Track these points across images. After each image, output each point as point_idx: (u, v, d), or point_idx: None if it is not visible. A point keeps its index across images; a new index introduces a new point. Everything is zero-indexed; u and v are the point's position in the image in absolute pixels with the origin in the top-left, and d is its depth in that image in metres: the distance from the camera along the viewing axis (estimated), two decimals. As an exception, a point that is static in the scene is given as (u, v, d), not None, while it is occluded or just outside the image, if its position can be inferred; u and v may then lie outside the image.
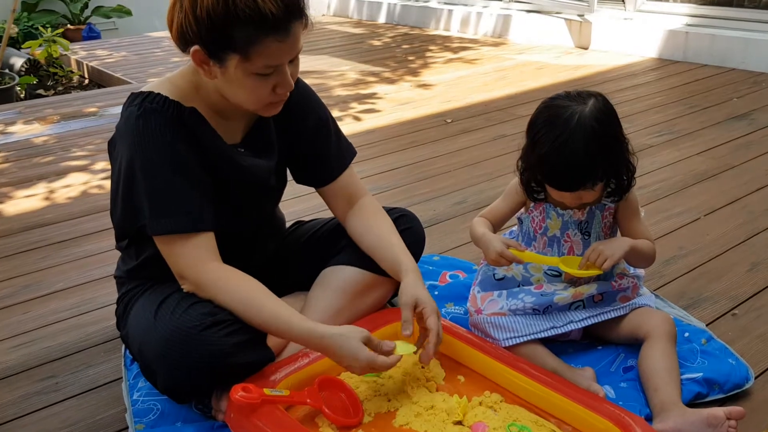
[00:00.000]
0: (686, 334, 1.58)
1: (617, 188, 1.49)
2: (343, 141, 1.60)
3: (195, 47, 1.25)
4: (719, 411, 1.27)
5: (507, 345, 1.49)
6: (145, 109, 1.30)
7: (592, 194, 1.47)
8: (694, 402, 1.40)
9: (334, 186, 1.57)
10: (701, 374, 1.43)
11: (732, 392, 1.43)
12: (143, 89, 1.35)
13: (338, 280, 1.56)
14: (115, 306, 1.53)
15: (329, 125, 1.56)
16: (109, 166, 1.43)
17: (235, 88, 1.30)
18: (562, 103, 1.43)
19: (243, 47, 1.22)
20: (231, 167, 1.40)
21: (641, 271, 1.64)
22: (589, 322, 1.52)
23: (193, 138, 1.34)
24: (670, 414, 1.29)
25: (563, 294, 1.51)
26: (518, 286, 1.57)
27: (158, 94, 1.32)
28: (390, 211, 1.67)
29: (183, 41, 1.26)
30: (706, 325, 1.67)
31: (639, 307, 1.53)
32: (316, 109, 1.54)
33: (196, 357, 1.26)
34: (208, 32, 1.22)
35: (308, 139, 1.53)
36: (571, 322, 1.51)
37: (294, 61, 1.31)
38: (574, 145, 1.38)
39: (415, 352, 1.39)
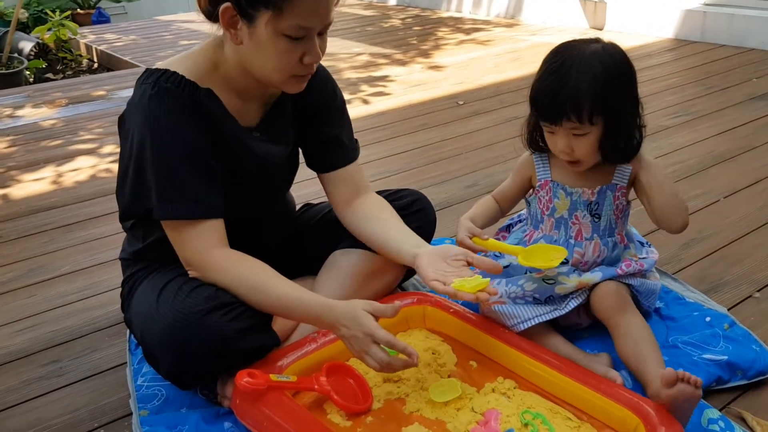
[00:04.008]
0: (708, 319, 1.53)
1: (618, 146, 1.40)
2: (352, 132, 1.57)
3: (225, 5, 1.21)
4: (658, 386, 1.17)
5: (517, 331, 1.44)
6: (160, 89, 1.26)
7: (584, 144, 1.38)
8: (714, 387, 1.35)
9: (345, 172, 1.51)
10: (726, 357, 1.38)
11: (755, 379, 1.38)
12: (159, 65, 1.31)
13: (347, 263, 1.53)
14: (120, 289, 1.50)
15: (345, 107, 1.54)
16: (118, 150, 1.40)
17: (262, 53, 1.25)
18: (575, 40, 1.43)
19: (276, 1, 1.18)
20: (245, 152, 1.37)
21: (653, 257, 1.57)
22: (588, 292, 1.46)
23: (208, 120, 1.30)
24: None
25: (566, 284, 1.45)
26: (525, 273, 1.51)
27: (174, 72, 1.28)
28: (401, 193, 1.63)
29: (213, 3, 1.23)
30: (728, 310, 1.61)
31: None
32: (338, 92, 1.52)
33: (199, 342, 1.23)
34: None
35: (331, 120, 1.49)
36: (574, 298, 1.45)
37: (323, 34, 1.28)
38: (566, 69, 1.35)
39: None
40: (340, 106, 1.51)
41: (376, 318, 1.25)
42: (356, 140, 1.55)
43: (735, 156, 2.57)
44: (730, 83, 3.48)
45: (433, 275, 1.30)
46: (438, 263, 1.33)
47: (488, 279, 1.29)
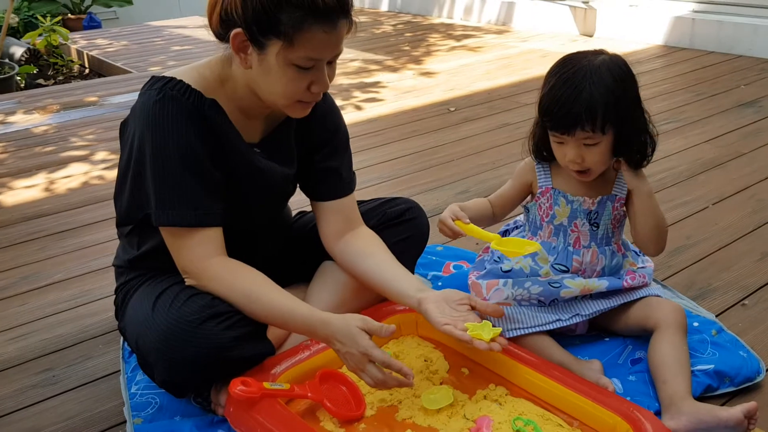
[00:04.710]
0: (696, 324, 1.55)
1: (634, 156, 1.43)
2: (351, 164, 1.56)
3: (237, 30, 1.22)
4: (738, 413, 1.22)
5: (511, 336, 1.46)
6: (165, 95, 1.26)
7: (595, 153, 1.40)
8: (704, 395, 1.37)
9: (339, 203, 1.49)
10: (712, 366, 1.40)
11: (743, 385, 1.40)
12: (166, 74, 1.32)
13: (339, 272, 1.53)
14: (113, 297, 1.50)
15: (348, 141, 1.54)
16: (110, 156, 1.41)
17: (270, 79, 1.25)
18: (580, 52, 1.44)
19: (288, 32, 1.19)
20: (245, 166, 1.37)
21: (650, 266, 1.60)
22: (596, 313, 1.49)
23: (210, 131, 1.30)
24: (681, 409, 1.26)
25: (571, 288, 1.47)
26: (527, 276, 1.53)
27: (180, 81, 1.29)
28: (393, 201, 1.64)
29: (224, 26, 1.24)
30: (716, 316, 1.63)
31: (647, 296, 1.50)
32: (342, 123, 1.52)
33: (195, 351, 1.23)
34: (255, 14, 1.19)
35: (332, 153, 1.49)
36: (577, 314, 1.48)
37: (332, 64, 1.29)
38: (579, 79, 1.37)
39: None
40: (343, 140, 1.51)
41: (371, 335, 1.25)
42: (354, 173, 1.55)
43: (723, 163, 2.60)
44: (718, 90, 3.51)
45: (443, 320, 1.31)
46: (444, 308, 1.34)
47: (500, 328, 1.32)
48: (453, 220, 1.47)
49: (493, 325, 1.32)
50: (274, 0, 1.18)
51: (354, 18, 1.26)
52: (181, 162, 1.27)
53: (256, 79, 1.28)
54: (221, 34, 1.26)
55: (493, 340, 1.29)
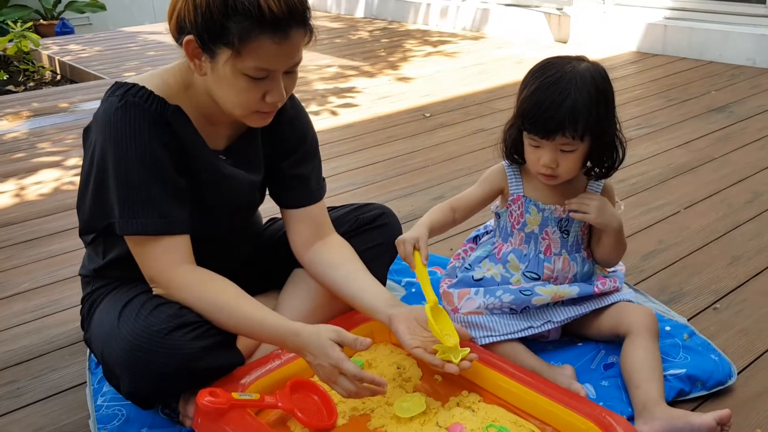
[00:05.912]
0: (667, 328, 1.55)
1: (603, 164, 1.43)
2: (321, 171, 1.54)
3: (188, 37, 1.20)
4: (710, 419, 1.22)
5: (483, 343, 1.45)
6: (126, 102, 1.24)
7: (569, 160, 1.40)
8: (676, 399, 1.37)
9: (307, 211, 1.48)
10: (684, 370, 1.40)
11: (714, 389, 1.40)
12: (129, 80, 1.29)
13: (311, 280, 1.50)
14: (79, 307, 1.47)
15: (317, 147, 1.51)
16: (81, 163, 1.37)
17: (223, 87, 1.23)
18: (562, 57, 1.43)
19: (235, 42, 1.16)
20: (211, 173, 1.35)
21: (621, 270, 1.61)
22: (568, 320, 1.48)
23: (174, 138, 1.28)
24: (654, 414, 1.26)
25: (542, 295, 1.47)
26: (499, 284, 1.52)
27: (143, 87, 1.26)
28: (366, 207, 1.63)
29: (179, 31, 1.22)
30: (688, 320, 1.64)
31: (619, 302, 1.50)
32: (310, 130, 1.49)
33: (162, 362, 1.21)
34: (204, 21, 1.17)
35: (301, 159, 1.47)
36: (549, 321, 1.47)
37: (291, 73, 1.26)
38: (563, 85, 1.35)
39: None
40: (311, 146, 1.49)
41: (342, 347, 1.23)
42: (323, 179, 1.53)
43: (694, 167, 2.62)
44: (690, 95, 3.55)
45: (414, 342, 1.30)
46: (415, 327, 1.32)
47: (468, 349, 1.31)
48: (414, 248, 1.41)
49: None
50: (222, 8, 1.15)
51: (313, 25, 1.23)
52: (144, 169, 1.24)
53: (211, 87, 1.26)
54: (178, 39, 1.24)
55: (462, 358, 1.29)
